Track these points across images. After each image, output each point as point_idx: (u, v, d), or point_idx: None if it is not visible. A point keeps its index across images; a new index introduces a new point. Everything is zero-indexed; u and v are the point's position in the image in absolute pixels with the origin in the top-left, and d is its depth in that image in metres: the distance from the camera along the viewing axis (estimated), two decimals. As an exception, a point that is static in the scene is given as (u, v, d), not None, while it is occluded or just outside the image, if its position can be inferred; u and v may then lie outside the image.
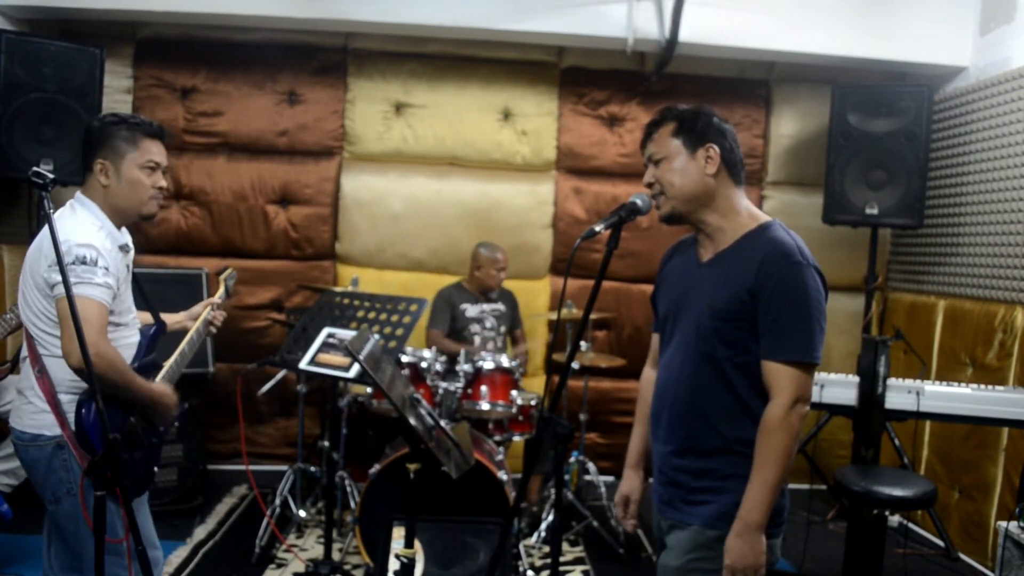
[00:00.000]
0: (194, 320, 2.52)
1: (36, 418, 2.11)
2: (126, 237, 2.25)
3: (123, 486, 1.82)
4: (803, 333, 1.76)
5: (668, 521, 1.95)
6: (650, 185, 1.94)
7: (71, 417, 2.08)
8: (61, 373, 2.09)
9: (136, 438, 2.18)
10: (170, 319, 2.48)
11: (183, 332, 2.48)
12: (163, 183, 2.25)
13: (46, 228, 2.04)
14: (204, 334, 2.52)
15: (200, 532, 3.88)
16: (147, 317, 2.42)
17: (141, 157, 2.19)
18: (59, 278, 1.87)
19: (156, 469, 2.34)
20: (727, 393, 1.84)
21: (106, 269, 2.07)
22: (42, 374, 2.10)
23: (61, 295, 1.98)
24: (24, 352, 2.17)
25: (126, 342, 2.22)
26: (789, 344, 1.76)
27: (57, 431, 2.09)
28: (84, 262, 2.03)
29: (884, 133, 4.26)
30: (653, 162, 1.93)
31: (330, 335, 2.68)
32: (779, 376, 1.77)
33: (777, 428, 1.75)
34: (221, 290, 2.72)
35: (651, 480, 2.06)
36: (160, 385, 2.26)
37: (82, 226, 2.11)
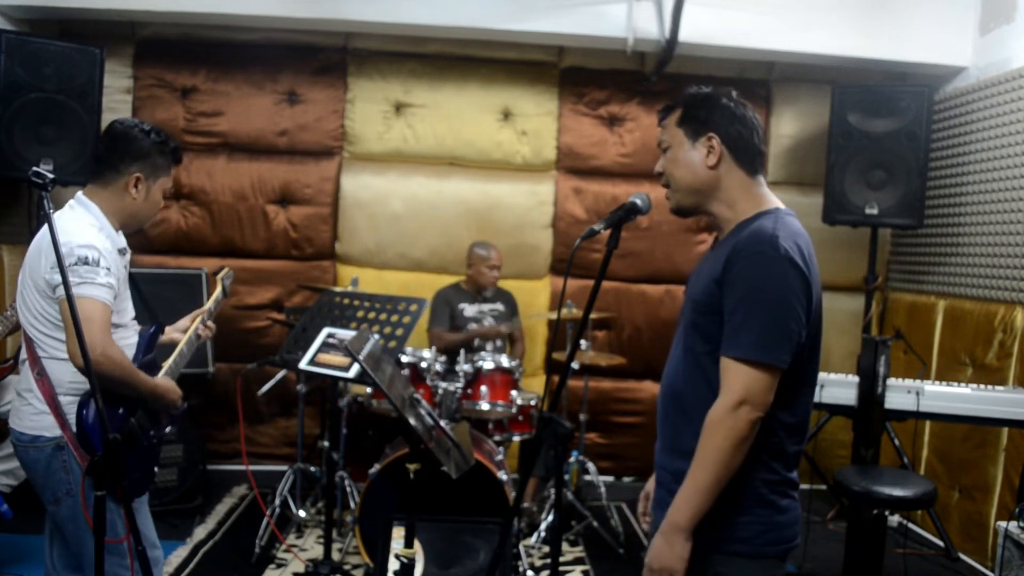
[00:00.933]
0: (182, 332, 2.50)
1: (35, 419, 2.11)
2: (123, 241, 2.26)
3: (123, 486, 1.82)
4: (758, 329, 1.61)
5: (656, 523, 1.87)
6: (660, 175, 1.86)
7: (72, 419, 2.08)
8: (61, 375, 2.09)
9: (136, 438, 2.18)
10: (167, 329, 2.48)
11: (175, 343, 2.47)
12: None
13: (45, 229, 2.05)
14: (195, 346, 2.52)
15: (200, 532, 3.88)
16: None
17: (168, 183, 2.32)
18: (61, 279, 1.87)
19: (156, 469, 2.35)
20: (707, 391, 1.70)
21: (108, 269, 2.08)
22: (41, 376, 2.10)
23: (63, 296, 1.98)
24: (23, 354, 2.16)
25: (125, 343, 2.23)
26: (742, 339, 1.62)
27: (57, 432, 2.09)
28: (86, 262, 2.04)
29: (884, 133, 4.26)
30: (662, 150, 1.86)
31: (330, 335, 2.67)
32: (728, 373, 1.64)
33: (715, 428, 1.62)
34: (218, 290, 2.72)
35: None
36: (163, 380, 2.27)
37: (81, 227, 2.12)
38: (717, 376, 1.69)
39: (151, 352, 2.33)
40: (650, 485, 2.03)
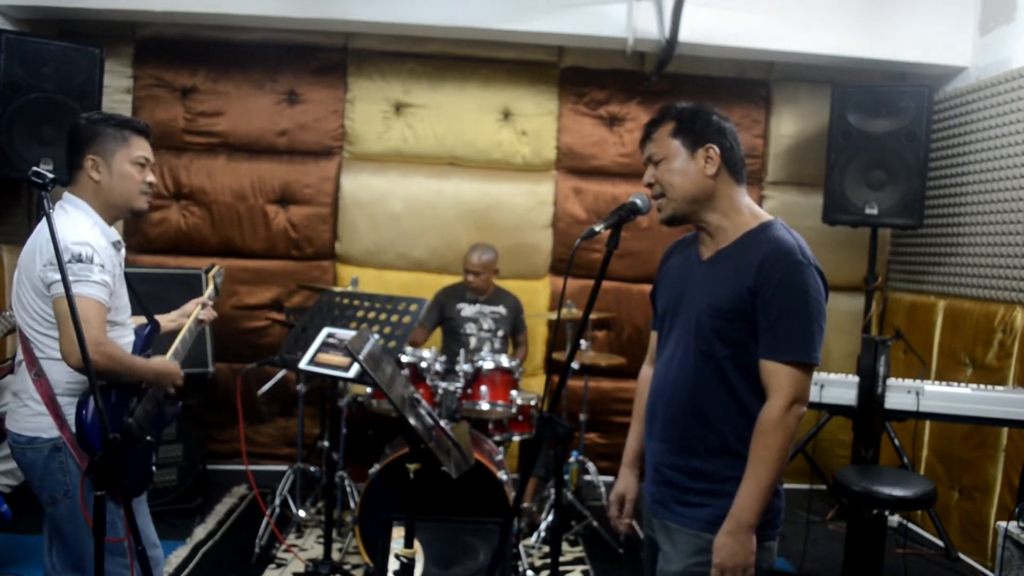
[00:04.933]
0: (186, 317, 2.52)
1: (33, 420, 2.11)
2: (117, 235, 2.26)
3: (123, 485, 1.82)
4: (803, 333, 1.74)
5: (660, 521, 1.94)
6: (650, 185, 1.93)
7: (71, 419, 2.08)
8: (58, 375, 2.09)
9: (134, 438, 2.18)
10: (162, 319, 2.48)
11: (174, 333, 2.48)
12: (152, 179, 2.29)
13: (39, 229, 2.06)
14: (196, 332, 2.53)
15: (200, 532, 3.89)
16: (140, 319, 2.43)
17: (131, 152, 2.23)
18: (56, 277, 1.88)
19: (154, 469, 2.35)
20: (726, 393, 1.82)
21: (102, 266, 2.08)
22: (39, 377, 2.10)
23: (59, 295, 1.98)
24: (19, 356, 2.16)
25: (121, 342, 2.22)
26: (788, 344, 1.75)
27: (54, 433, 2.09)
28: (80, 260, 2.03)
29: (884, 133, 4.26)
30: (653, 162, 1.92)
31: (330, 335, 2.67)
32: (777, 376, 1.75)
33: (773, 428, 1.74)
34: (211, 288, 2.73)
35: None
36: (161, 360, 2.27)
37: (75, 224, 2.12)
38: (737, 378, 1.81)
39: (148, 350, 2.34)
40: (623, 487, 2.10)
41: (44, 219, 1.85)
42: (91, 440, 2.04)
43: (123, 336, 2.25)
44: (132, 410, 2.19)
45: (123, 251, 2.28)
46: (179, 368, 2.32)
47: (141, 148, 2.25)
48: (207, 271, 2.81)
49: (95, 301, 2.04)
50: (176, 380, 2.31)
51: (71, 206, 2.19)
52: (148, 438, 2.28)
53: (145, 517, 2.32)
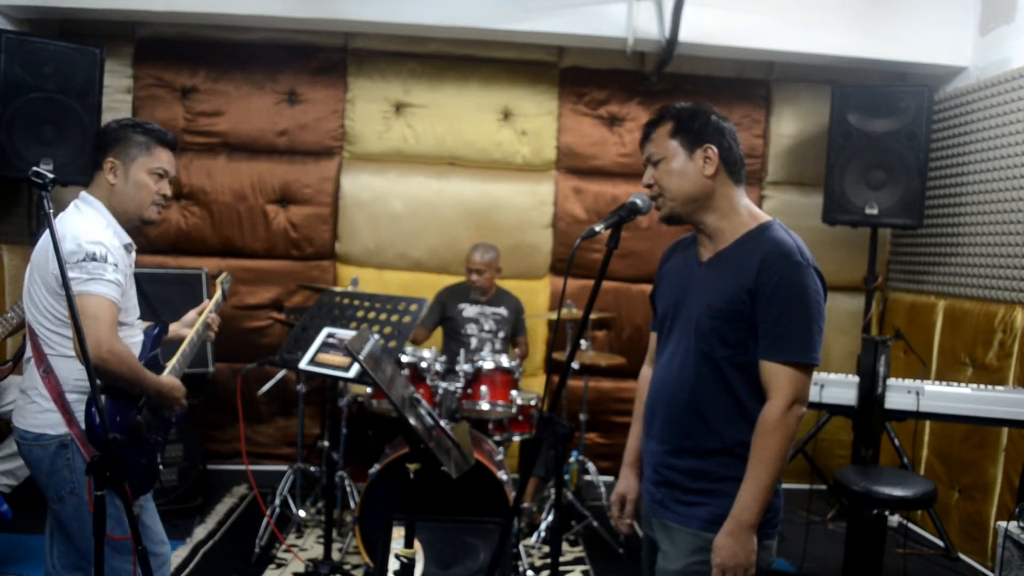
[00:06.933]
0: (189, 327, 2.52)
1: (40, 417, 2.11)
2: (129, 238, 2.27)
3: (123, 485, 1.82)
4: (802, 334, 1.75)
5: (659, 521, 1.94)
6: (649, 186, 1.93)
7: (79, 416, 2.08)
8: (67, 372, 2.10)
9: (141, 435, 2.19)
10: (173, 327, 2.49)
11: (179, 341, 2.48)
12: (167, 191, 2.31)
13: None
14: (203, 336, 2.53)
15: (200, 532, 3.88)
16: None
17: (152, 163, 2.25)
18: (71, 274, 1.89)
19: (161, 467, 2.35)
20: (725, 394, 1.82)
21: (115, 266, 2.09)
22: (48, 374, 2.11)
23: (73, 292, 1.99)
24: (28, 352, 2.17)
25: (130, 341, 2.23)
26: (788, 345, 1.75)
27: (62, 430, 2.10)
28: (95, 258, 2.05)
29: (884, 133, 4.26)
30: (652, 163, 1.92)
31: (330, 335, 2.67)
32: (777, 377, 1.76)
33: (773, 429, 1.75)
34: (218, 293, 2.72)
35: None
36: (168, 378, 2.27)
37: (90, 224, 2.13)
38: (738, 379, 1.81)
39: (156, 349, 2.34)
40: (624, 487, 2.11)
41: (58, 217, 1.87)
42: (100, 436, 2.05)
43: (132, 336, 2.26)
44: (140, 408, 2.20)
45: (134, 254, 2.29)
46: (183, 389, 2.31)
47: (162, 160, 2.28)
48: (214, 277, 2.81)
49: (107, 300, 2.05)
50: (179, 402, 2.31)
51: (85, 205, 2.20)
52: (157, 436, 2.29)
53: (153, 515, 2.34)
